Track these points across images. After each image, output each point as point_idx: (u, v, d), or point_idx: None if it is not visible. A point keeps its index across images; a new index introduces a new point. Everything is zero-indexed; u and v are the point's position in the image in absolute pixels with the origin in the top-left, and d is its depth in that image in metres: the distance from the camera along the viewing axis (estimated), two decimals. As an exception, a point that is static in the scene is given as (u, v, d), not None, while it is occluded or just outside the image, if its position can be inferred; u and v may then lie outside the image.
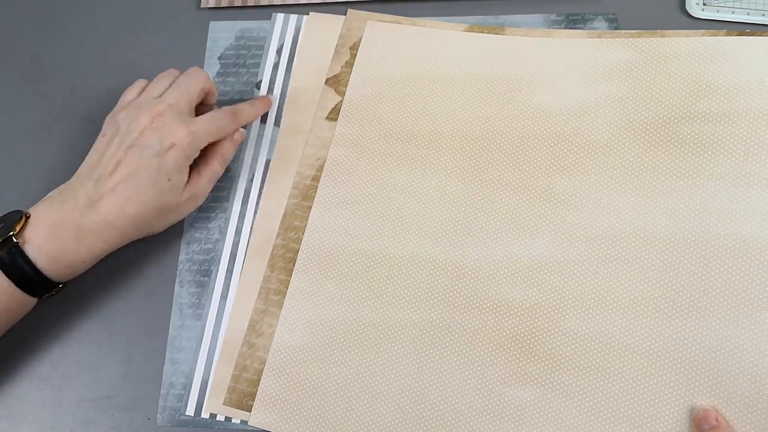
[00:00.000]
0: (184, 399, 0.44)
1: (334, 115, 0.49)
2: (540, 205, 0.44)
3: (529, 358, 0.42)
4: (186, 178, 0.43)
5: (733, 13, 0.49)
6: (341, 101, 0.49)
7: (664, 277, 0.42)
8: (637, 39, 0.47)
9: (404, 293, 0.44)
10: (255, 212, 0.47)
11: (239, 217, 0.48)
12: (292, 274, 0.45)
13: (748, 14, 0.49)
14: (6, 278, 0.39)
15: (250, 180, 0.48)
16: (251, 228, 0.47)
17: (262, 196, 0.47)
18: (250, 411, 0.43)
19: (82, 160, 0.50)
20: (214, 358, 0.45)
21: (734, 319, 0.40)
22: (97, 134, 0.46)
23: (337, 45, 0.50)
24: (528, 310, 0.42)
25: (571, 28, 0.49)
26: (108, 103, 0.51)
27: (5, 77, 0.52)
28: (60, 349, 0.45)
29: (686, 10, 0.49)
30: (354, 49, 0.50)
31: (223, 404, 0.43)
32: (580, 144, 0.45)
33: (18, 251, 0.39)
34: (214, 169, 0.45)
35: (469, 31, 0.49)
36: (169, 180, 0.42)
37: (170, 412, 0.44)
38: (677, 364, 0.40)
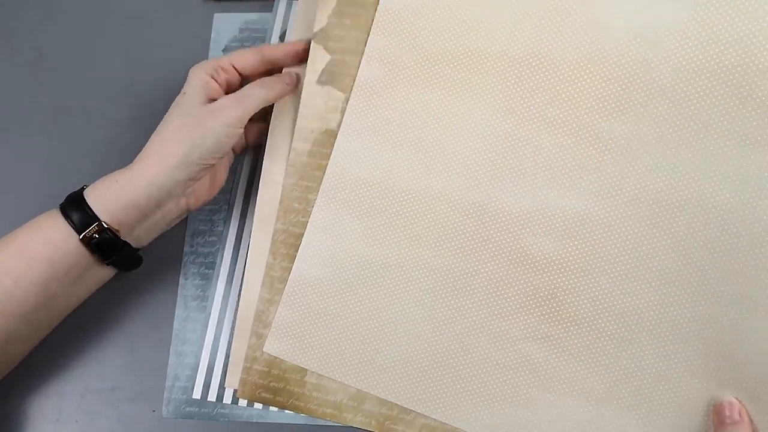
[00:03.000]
0: (191, 380, 0.44)
1: (325, 77, 0.43)
2: (585, 151, 0.39)
3: (548, 316, 0.40)
4: (203, 93, 0.41)
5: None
6: (331, 60, 0.43)
7: (711, 257, 0.38)
8: None
9: (429, 234, 0.41)
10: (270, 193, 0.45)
11: (242, 207, 0.47)
12: (313, 208, 0.42)
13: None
14: (75, 236, 0.39)
15: (253, 168, 0.48)
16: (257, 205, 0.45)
17: (265, 157, 0.45)
18: (264, 402, 0.43)
19: (88, 154, 0.50)
20: (225, 338, 0.45)
21: None
22: (104, 127, 0.45)
23: None
24: (555, 267, 0.40)
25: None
26: (113, 95, 0.51)
27: (11, 71, 0.52)
28: (64, 340, 0.45)
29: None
30: None
31: (237, 396, 0.43)
32: (642, 83, 0.38)
33: (82, 198, 0.39)
34: (248, 86, 0.42)
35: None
36: (184, 94, 0.41)
37: (175, 404, 0.44)
38: (702, 348, 0.38)
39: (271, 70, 0.45)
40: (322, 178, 0.43)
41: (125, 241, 0.40)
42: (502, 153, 0.41)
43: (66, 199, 0.40)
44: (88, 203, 0.39)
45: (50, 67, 0.52)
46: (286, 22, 0.51)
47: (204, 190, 0.43)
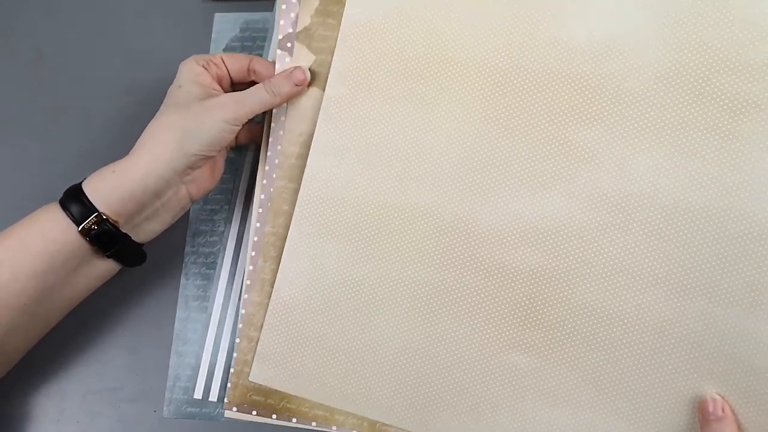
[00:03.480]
0: (192, 380, 0.44)
1: (310, 78, 0.42)
2: (557, 160, 0.39)
3: (532, 325, 0.40)
4: (198, 87, 0.42)
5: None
6: (316, 60, 0.42)
7: (685, 254, 0.38)
8: None
9: (406, 250, 0.41)
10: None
11: (243, 207, 0.47)
12: (288, 230, 0.42)
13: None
14: (77, 233, 0.39)
15: (254, 169, 0.48)
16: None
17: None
18: (255, 406, 0.42)
19: (87, 153, 0.50)
20: (227, 339, 0.45)
21: (756, 309, 0.37)
22: (103, 126, 0.45)
23: None
24: (534, 277, 0.40)
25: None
26: (113, 95, 0.51)
27: (11, 70, 0.52)
28: (65, 340, 0.45)
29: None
30: None
31: (227, 400, 0.42)
32: (606, 90, 0.39)
33: (80, 190, 0.39)
34: (252, 88, 0.42)
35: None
36: (180, 87, 0.41)
37: (176, 404, 0.44)
38: (688, 346, 0.38)
39: (254, 81, 0.45)
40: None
41: (125, 233, 0.40)
42: (473, 164, 0.41)
43: (65, 193, 0.40)
44: (86, 195, 0.39)
45: (50, 66, 0.52)
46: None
47: (204, 179, 0.43)
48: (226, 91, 0.44)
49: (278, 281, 0.42)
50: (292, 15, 0.43)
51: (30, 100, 0.52)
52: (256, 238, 0.43)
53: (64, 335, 0.44)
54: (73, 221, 0.39)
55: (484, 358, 0.40)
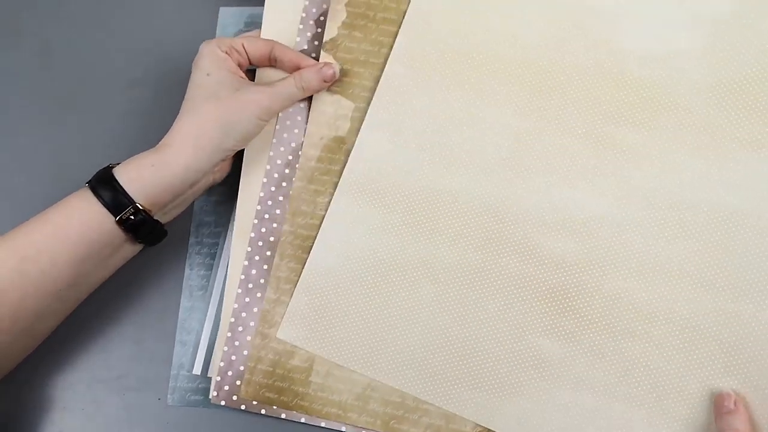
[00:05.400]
0: (193, 357, 0.45)
1: (334, 87, 0.45)
2: (601, 156, 0.41)
3: (563, 312, 0.41)
4: (226, 72, 0.42)
5: None
6: (342, 70, 0.45)
7: (718, 252, 0.40)
8: None
9: (445, 228, 0.42)
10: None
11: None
12: (332, 198, 0.43)
13: None
14: (108, 214, 0.39)
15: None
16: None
17: (243, 170, 0.45)
18: (267, 402, 0.43)
19: (93, 146, 0.50)
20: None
21: None
22: (109, 119, 0.46)
23: (331, 2, 0.45)
24: (570, 265, 0.41)
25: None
26: (119, 88, 0.51)
27: (18, 63, 0.53)
28: (70, 329, 0.46)
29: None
30: (351, 5, 0.45)
31: (240, 396, 0.43)
32: (655, 96, 0.41)
33: (113, 179, 0.40)
34: (283, 82, 0.43)
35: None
36: (208, 75, 0.42)
37: (180, 392, 0.45)
38: (712, 341, 0.39)
39: (273, 66, 0.46)
40: (340, 176, 0.44)
41: (156, 219, 0.41)
42: (519, 153, 0.42)
43: (95, 179, 0.40)
44: (121, 184, 0.39)
45: (56, 60, 0.53)
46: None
47: (225, 166, 0.44)
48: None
49: (316, 245, 0.43)
50: (309, 34, 0.46)
51: (36, 92, 0.52)
52: (272, 238, 0.44)
53: (70, 325, 0.45)
54: (109, 210, 0.39)
55: (514, 339, 0.41)
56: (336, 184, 0.44)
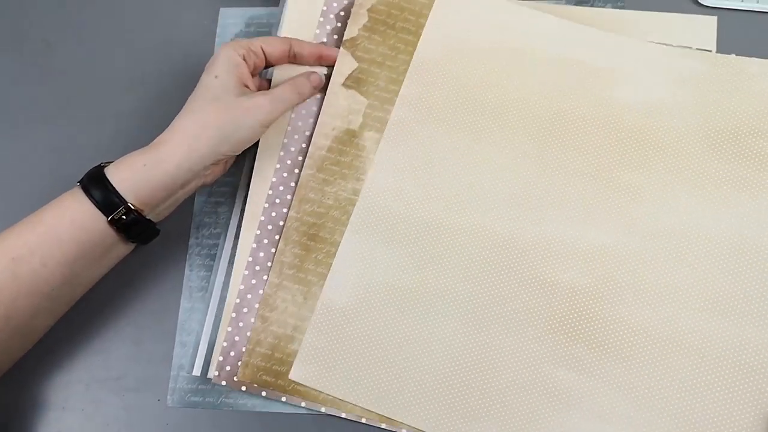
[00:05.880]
0: (193, 357, 0.45)
1: (350, 82, 0.47)
2: (603, 194, 0.44)
3: (576, 341, 0.42)
4: (235, 79, 0.42)
5: (742, 1, 0.49)
6: (358, 68, 0.47)
7: (719, 278, 0.42)
8: (715, 55, 0.47)
9: (457, 264, 0.44)
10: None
11: (245, 196, 0.48)
12: (338, 237, 0.44)
13: (758, 2, 0.49)
14: (97, 211, 0.39)
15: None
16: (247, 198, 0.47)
17: (253, 174, 0.46)
18: (264, 386, 0.43)
19: (93, 145, 0.50)
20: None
21: None
22: (109, 119, 0.45)
23: (353, 5, 0.48)
24: (580, 295, 0.43)
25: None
26: (119, 88, 0.51)
27: (19, 62, 0.53)
28: (70, 330, 0.46)
29: (695, -2, 0.50)
30: (372, 12, 0.48)
31: (237, 378, 0.43)
32: (649, 142, 0.45)
33: (104, 178, 0.40)
34: (281, 89, 0.44)
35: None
36: (216, 77, 0.42)
37: (180, 393, 0.45)
38: (726, 367, 0.41)
39: (293, 62, 0.47)
40: (349, 168, 0.45)
41: (148, 219, 0.41)
42: (526, 192, 0.45)
43: (87, 178, 0.40)
44: (113, 184, 0.39)
45: (57, 59, 0.53)
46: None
47: (220, 168, 0.44)
48: (256, 76, 0.45)
49: (327, 284, 0.44)
50: (329, 27, 0.48)
51: (37, 91, 0.52)
52: (281, 223, 0.45)
53: (69, 325, 0.45)
54: (100, 210, 0.39)
55: (528, 371, 0.42)
56: (345, 176, 0.45)
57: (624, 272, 0.43)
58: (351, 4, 0.48)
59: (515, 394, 0.42)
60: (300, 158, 0.46)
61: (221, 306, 0.45)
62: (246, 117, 0.41)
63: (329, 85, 0.47)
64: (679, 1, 0.50)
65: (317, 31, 0.48)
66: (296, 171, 0.46)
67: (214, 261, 0.47)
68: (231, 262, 0.46)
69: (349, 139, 0.46)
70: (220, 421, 0.44)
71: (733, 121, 0.45)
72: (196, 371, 0.45)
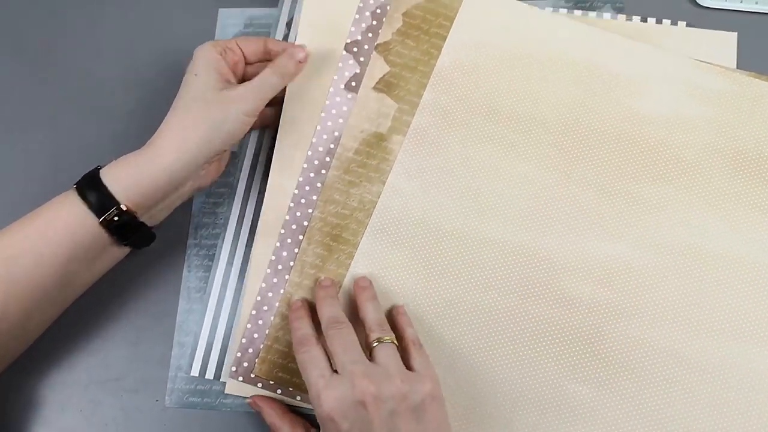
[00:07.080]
0: (191, 358, 0.45)
1: (381, 86, 0.46)
2: (622, 208, 0.44)
3: (592, 357, 0.42)
4: (215, 74, 0.42)
5: (741, 2, 0.49)
6: (390, 72, 0.46)
7: (737, 300, 0.43)
8: (738, 73, 0.46)
9: (472, 273, 0.44)
10: (259, 190, 0.47)
11: (243, 196, 0.48)
12: (360, 238, 0.44)
13: (756, 3, 0.49)
14: (91, 214, 0.39)
15: (256, 155, 0.49)
16: (256, 206, 0.47)
17: (271, 170, 0.46)
18: (280, 383, 0.43)
19: (92, 146, 0.50)
20: (224, 319, 0.46)
21: None
22: (108, 120, 0.45)
23: (389, 9, 0.47)
24: (597, 310, 0.43)
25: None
26: (118, 89, 0.51)
27: (16, 64, 0.53)
28: (68, 330, 0.46)
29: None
30: (407, 16, 0.47)
31: (254, 374, 0.43)
32: (670, 156, 0.45)
33: (98, 180, 0.40)
34: (262, 75, 0.42)
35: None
36: (196, 75, 0.41)
37: (178, 394, 0.45)
38: (742, 389, 0.41)
39: (267, 59, 0.45)
40: (376, 171, 0.45)
41: (142, 222, 0.41)
42: (546, 204, 0.45)
43: (82, 180, 0.40)
44: (106, 185, 0.39)
45: (54, 60, 0.53)
46: (293, 10, 0.51)
47: (214, 170, 0.44)
48: (240, 76, 0.45)
49: (345, 285, 0.44)
50: (364, 25, 0.47)
51: (34, 93, 0.52)
52: (305, 223, 0.45)
53: (68, 325, 0.45)
54: (93, 212, 0.39)
55: (544, 384, 0.42)
56: (371, 178, 0.45)
57: (642, 288, 0.43)
58: (387, 2, 0.47)
59: (529, 406, 0.42)
60: (327, 159, 0.46)
61: (219, 307, 0.45)
62: (230, 108, 0.41)
63: (361, 89, 0.46)
64: (678, 2, 0.50)
65: (352, 29, 0.47)
66: (323, 171, 0.46)
67: (212, 262, 0.47)
68: (230, 263, 0.46)
69: (377, 142, 0.46)
70: (218, 421, 0.44)
71: (756, 144, 0.45)
72: (194, 372, 0.45)
